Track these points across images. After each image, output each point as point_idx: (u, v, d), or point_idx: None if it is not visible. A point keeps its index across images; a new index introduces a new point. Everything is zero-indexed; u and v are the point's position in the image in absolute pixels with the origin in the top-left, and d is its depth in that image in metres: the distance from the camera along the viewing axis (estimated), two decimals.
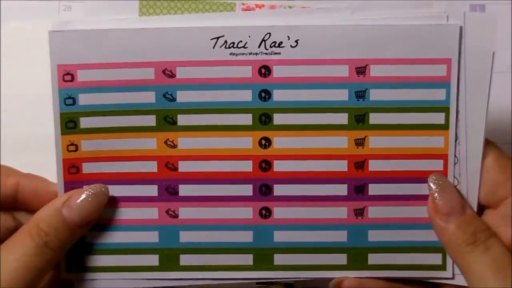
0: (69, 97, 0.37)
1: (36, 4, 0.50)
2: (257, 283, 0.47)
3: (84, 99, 0.37)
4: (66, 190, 0.37)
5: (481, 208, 0.37)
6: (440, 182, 0.36)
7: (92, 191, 0.36)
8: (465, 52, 0.36)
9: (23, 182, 0.37)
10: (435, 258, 0.38)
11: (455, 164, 0.37)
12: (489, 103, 0.36)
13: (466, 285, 0.36)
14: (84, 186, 0.37)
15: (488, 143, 0.37)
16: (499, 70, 0.36)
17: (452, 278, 0.38)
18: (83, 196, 0.36)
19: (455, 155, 0.37)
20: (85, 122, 0.37)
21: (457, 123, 0.36)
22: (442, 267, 0.38)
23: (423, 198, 0.37)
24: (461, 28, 0.35)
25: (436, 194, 0.36)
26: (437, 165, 0.37)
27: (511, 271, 0.33)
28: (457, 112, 0.36)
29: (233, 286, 0.43)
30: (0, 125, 0.49)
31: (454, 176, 0.37)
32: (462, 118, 0.36)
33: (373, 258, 0.38)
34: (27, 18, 0.50)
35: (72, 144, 0.37)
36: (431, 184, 0.36)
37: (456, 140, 0.36)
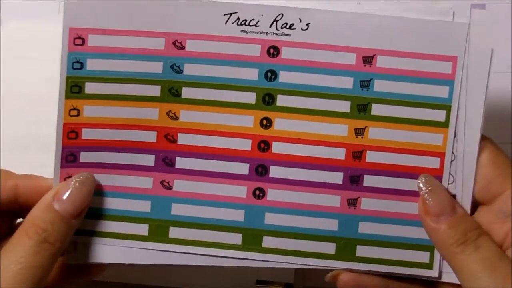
0: (77, 61, 0.37)
1: (36, 4, 0.51)
2: (257, 281, 0.48)
3: (92, 64, 0.37)
4: (63, 156, 0.38)
5: (476, 205, 0.37)
6: (430, 183, 0.36)
7: (78, 180, 0.36)
8: (468, 49, 0.36)
9: (21, 182, 0.37)
10: (422, 256, 0.38)
11: (452, 161, 0.37)
12: (486, 101, 0.36)
13: (457, 282, 0.37)
14: (72, 177, 0.37)
15: (484, 139, 0.37)
16: (499, 70, 0.36)
17: (439, 278, 0.38)
18: (71, 187, 0.36)
19: (452, 152, 0.37)
20: (90, 88, 0.37)
21: (456, 121, 0.37)
22: (429, 266, 0.38)
23: (416, 194, 0.37)
24: (468, 26, 0.36)
25: (426, 195, 0.36)
26: (434, 162, 0.37)
27: (502, 268, 0.33)
28: (457, 109, 0.37)
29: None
30: (0, 125, 0.49)
31: (450, 173, 0.37)
32: (461, 115, 0.37)
33: (362, 250, 0.38)
34: (27, 18, 0.51)
35: (74, 109, 0.37)
36: (421, 185, 0.36)
37: (454, 137, 0.37)
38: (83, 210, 0.36)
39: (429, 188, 0.36)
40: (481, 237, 0.35)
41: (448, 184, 0.37)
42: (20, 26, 0.51)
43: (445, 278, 0.37)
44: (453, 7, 0.36)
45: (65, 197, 0.35)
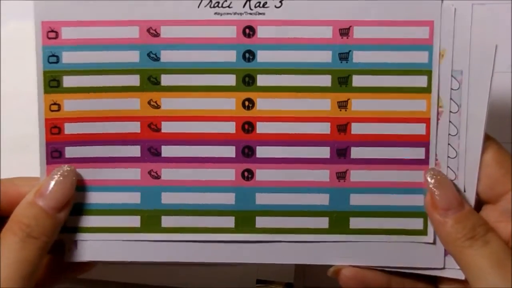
0: (53, 55, 0.37)
1: None
2: (257, 281, 0.48)
3: (67, 57, 0.37)
4: (48, 152, 0.37)
5: (480, 204, 0.37)
6: (438, 177, 0.36)
7: (60, 173, 0.36)
8: (470, 45, 0.36)
9: None
10: (416, 223, 0.38)
11: (453, 158, 0.37)
12: (490, 98, 0.36)
13: (459, 278, 0.37)
14: (53, 171, 0.37)
15: (488, 139, 0.37)
16: (499, 70, 0.36)
17: (433, 243, 0.38)
18: (52, 182, 0.36)
19: (454, 148, 0.37)
20: (68, 81, 0.37)
21: (439, 89, 0.36)
22: (423, 232, 0.38)
23: (405, 162, 0.37)
24: None
25: (434, 189, 0.36)
26: (420, 129, 0.37)
27: (510, 265, 0.33)
28: (459, 105, 0.36)
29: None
30: (0, 125, 0.49)
31: (449, 167, 0.37)
32: (464, 112, 0.36)
33: (355, 222, 0.38)
34: (27, 18, 0.50)
35: (54, 104, 0.37)
36: (429, 179, 0.36)
37: (456, 134, 0.37)
38: (67, 203, 0.36)
39: (437, 182, 0.36)
40: (490, 233, 0.34)
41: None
42: (20, 26, 0.50)
43: (447, 274, 0.38)
44: (456, 3, 0.36)
45: (47, 192, 0.36)
